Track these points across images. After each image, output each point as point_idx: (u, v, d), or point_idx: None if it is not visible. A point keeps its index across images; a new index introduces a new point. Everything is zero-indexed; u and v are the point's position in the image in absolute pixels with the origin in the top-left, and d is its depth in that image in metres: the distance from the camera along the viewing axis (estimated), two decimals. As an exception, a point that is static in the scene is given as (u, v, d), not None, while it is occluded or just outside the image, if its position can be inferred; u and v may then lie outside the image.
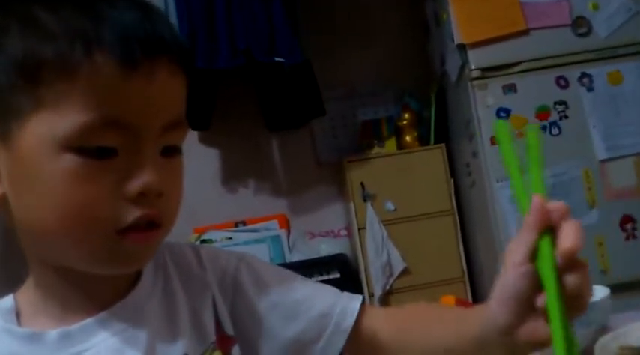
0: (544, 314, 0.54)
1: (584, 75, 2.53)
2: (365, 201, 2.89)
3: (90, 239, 0.60)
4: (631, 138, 2.50)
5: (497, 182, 2.50)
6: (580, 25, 2.53)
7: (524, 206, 0.57)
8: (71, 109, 0.57)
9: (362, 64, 3.27)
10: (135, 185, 0.60)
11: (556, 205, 0.56)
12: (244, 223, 3.20)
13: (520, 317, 0.58)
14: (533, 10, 2.51)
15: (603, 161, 2.51)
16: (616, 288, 2.55)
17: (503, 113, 2.51)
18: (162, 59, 0.61)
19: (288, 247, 3.12)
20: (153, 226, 0.62)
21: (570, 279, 0.55)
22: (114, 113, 0.58)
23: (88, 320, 0.65)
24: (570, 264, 0.55)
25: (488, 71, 2.52)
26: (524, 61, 2.51)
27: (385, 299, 2.89)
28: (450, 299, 0.76)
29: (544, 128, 2.51)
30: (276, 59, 2.76)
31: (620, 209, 2.49)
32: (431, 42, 3.12)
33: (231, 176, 3.32)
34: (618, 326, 0.65)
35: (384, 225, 2.88)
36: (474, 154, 2.64)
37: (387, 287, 2.88)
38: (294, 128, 3.26)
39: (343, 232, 3.25)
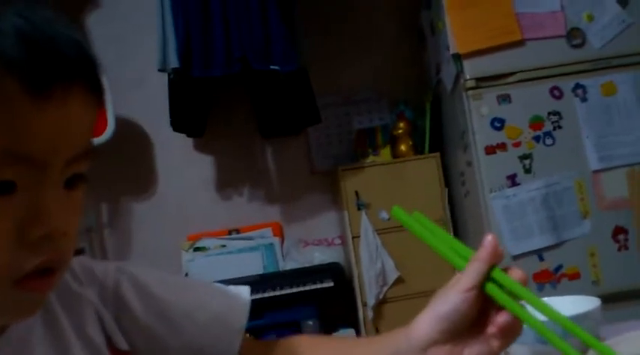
0: (499, 334, 0.61)
1: (578, 85, 2.54)
2: (359, 209, 2.89)
3: None
4: (624, 148, 2.51)
5: (491, 192, 2.50)
6: (575, 36, 2.54)
7: (457, 262, 0.66)
8: None
9: (357, 73, 3.28)
10: (38, 229, 0.52)
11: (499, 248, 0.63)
12: (238, 231, 3.20)
13: (445, 336, 0.63)
14: (529, 20, 2.53)
15: (596, 171, 2.51)
16: (608, 299, 2.55)
17: (497, 123, 2.52)
18: (78, 85, 0.53)
19: (282, 255, 3.12)
20: (50, 271, 0.55)
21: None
22: (17, 145, 0.50)
23: None
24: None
25: (484, 81, 2.53)
26: (519, 71, 2.53)
27: (378, 309, 2.89)
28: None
29: (538, 138, 2.52)
30: (272, 67, 2.77)
31: (613, 220, 2.50)
32: (426, 51, 3.13)
33: (226, 183, 3.32)
34: (609, 337, 0.65)
35: (378, 233, 2.88)
36: (469, 164, 2.65)
37: (381, 297, 2.88)
38: (289, 135, 3.26)
39: (337, 241, 3.24)
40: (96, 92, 0.56)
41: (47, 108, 0.50)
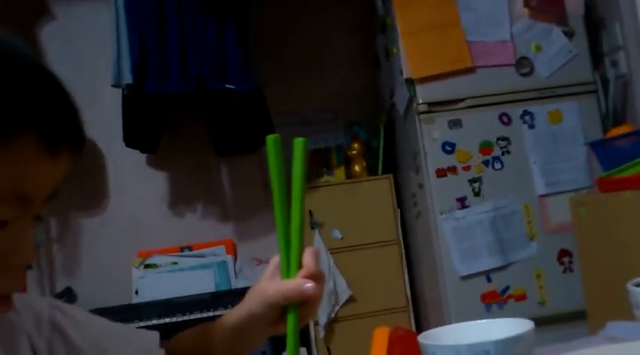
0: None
1: (526, 112, 2.62)
2: (312, 228, 2.91)
3: None
4: (568, 174, 2.60)
5: (441, 214, 2.55)
6: (523, 64, 2.63)
7: (285, 270, 0.77)
8: None
9: (313, 94, 3.32)
10: (19, 258, 0.60)
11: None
12: (190, 248, 3.18)
13: (258, 321, 0.80)
14: (480, 49, 2.60)
15: (542, 196, 2.59)
16: (553, 320, 2.62)
17: (448, 147, 2.58)
18: (77, 143, 0.62)
19: (235, 273, 3.11)
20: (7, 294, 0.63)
21: (304, 309, 0.77)
22: (22, 190, 0.58)
23: None
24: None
25: (435, 106, 2.59)
26: (470, 98, 2.60)
27: (330, 328, 2.90)
28: (383, 330, 0.78)
29: (487, 162, 2.59)
30: (227, 86, 2.78)
31: (558, 243, 2.58)
32: (381, 74, 3.19)
33: (179, 200, 3.30)
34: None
35: (330, 253, 2.90)
36: (420, 186, 2.70)
37: (332, 316, 2.89)
38: (244, 153, 3.27)
39: (290, 259, 3.25)
40: (80, 152, 0.64)
41: (54, 162, 0.59)
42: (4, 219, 0.58)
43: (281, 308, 0.77)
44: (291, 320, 0.76)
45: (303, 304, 0.76)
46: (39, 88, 0.58)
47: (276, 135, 0.77)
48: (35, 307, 0.77)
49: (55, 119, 0.59)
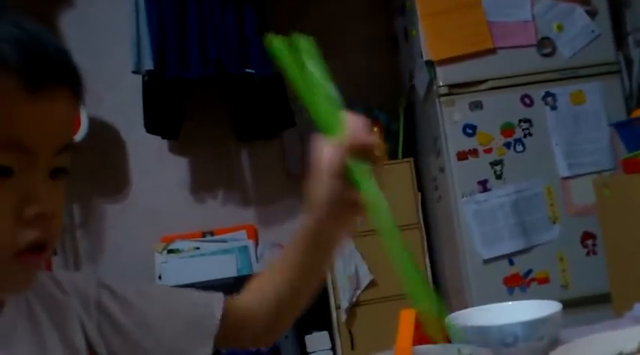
0: (354, 205, 0.77)
1: (548, 94, 2.59)
2: (333, 212, 2.91)
3: None
4: (592, 156, 2.57)
5: (463, 197, 2.54)
6: (545, 45, 2.59)
7: (329, 125, 0.75)
8: None
9: (332, 77, 3.30)
10: (33, 208, 0.59)
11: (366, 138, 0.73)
12: (212, 233, 3.20)
13: (331, 213, 0.79)
14: (501, 29, 2.57)
15: (565, 178, 2.57)
16: (576, 303, 2.61)
17: (469, 129, 2.56)
18: (65, 85, 0.61)
19: (256, 258, 3.12)
20: (41, 249, 0.62)
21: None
22: (15, 133, 0.58)
23: None
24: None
25: (456, 88, 2.57)
26: (491, 79, 2.57)
27: (352, 312, 2.91)
28: (409, 312, 0.78)
29: (508, 145, 2.57)
30: (247, 70, 2.78)
31: (581, 225, 2.55)
32: (400, 57, 3.16)
33: (200, 185, 3.32)
34: (571, 339, 0.68)
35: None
36: (441, 169, 2.68)
37: (354, 300, 2.90)
38: (264, 139, 3.27)
39: (311, 244, 3.25)
40: (77, 95, 0.64)
41: (39, 103, 0.58)
42: (7, 166, 0.58)
43: (345, 180, 0.75)
44: (358, 173, 0.72)
45: (364, 158, 0.74)
46: (11, 27, 0.58)
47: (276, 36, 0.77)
48: (82, 288, 0.77)
49: (33, 55, 0.58)
